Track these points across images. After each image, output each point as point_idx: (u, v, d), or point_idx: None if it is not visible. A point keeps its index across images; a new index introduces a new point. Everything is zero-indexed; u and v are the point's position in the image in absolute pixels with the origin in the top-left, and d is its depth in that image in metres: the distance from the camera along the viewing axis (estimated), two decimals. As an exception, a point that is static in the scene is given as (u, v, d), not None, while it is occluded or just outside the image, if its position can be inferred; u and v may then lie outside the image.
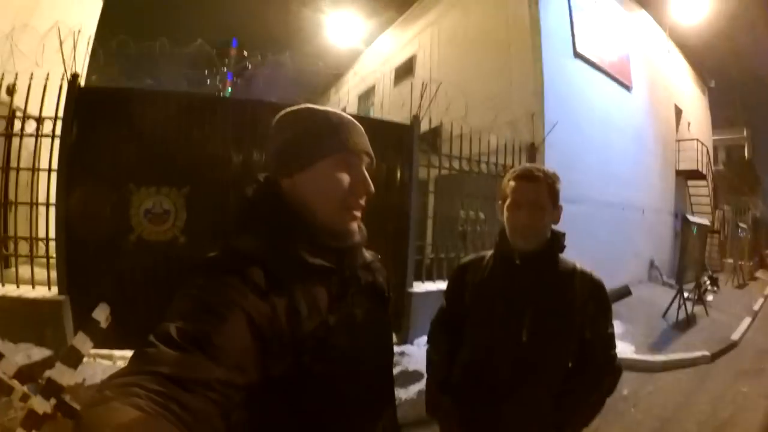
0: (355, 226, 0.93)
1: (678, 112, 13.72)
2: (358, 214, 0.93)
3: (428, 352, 1.78)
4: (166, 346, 0.59)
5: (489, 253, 1.66)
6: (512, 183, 1.48)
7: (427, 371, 1.77)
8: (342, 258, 0.90)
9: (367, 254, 1.05)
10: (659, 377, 5.07)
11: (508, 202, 1.49)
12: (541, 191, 1.44)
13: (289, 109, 0.94)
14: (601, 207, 8.55)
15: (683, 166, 13.34)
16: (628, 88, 10.29)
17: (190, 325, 0.63)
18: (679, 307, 7.44)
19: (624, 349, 5.61)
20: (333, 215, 0.88)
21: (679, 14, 12.19)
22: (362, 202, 0.92)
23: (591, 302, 1.47)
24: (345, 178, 0.88)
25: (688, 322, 7.41)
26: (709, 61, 14.68)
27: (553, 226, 1.52)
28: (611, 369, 1.52)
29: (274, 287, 0.75)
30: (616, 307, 4.39)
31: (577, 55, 8.72)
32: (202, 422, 0.56)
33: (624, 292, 4.67)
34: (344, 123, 0.92)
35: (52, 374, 2.76)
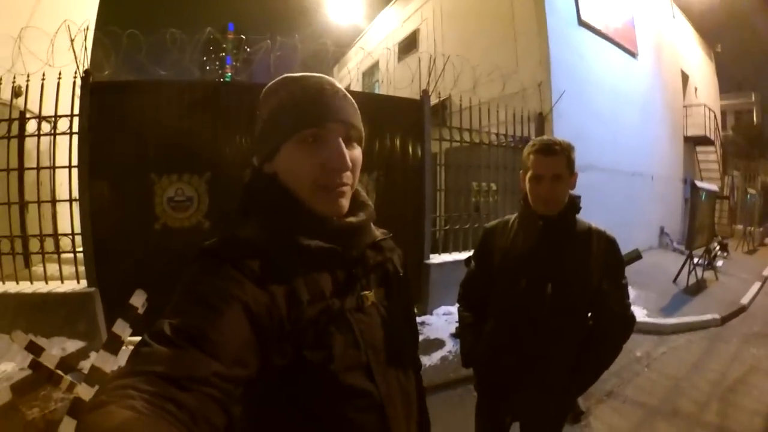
0: (340, 205, 0.82)
1: (684, 78, 13.57)
2: (340, 191, 0.81)
3: (460, 310, 1.93)
4: (160, 344, 0.58)
5: (513, 217, 1.81)
6: (533, 157, 1.62)
7: (460, 326, 1.93)
8: (344, 238, 0.83)
9: (377, 232, 0.97)
10: (671, 339, 5.19)
11: (530, 174, 1.63)
12: (560, 164, 1.58)
13: (268, 85, 0.87)
14: (610, 175, 8.56)
15: (691, 132, 13.25)
16: (633, 54, 10.21)
17: (185, 321, 0.61)
18: (690, 272, 7.54)
19: (637, 313, 5.63)
20: (311, 199, 0.80)
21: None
22: (344, 178, 0.81)
23: (607, 257, 1.64)
24: (313, 156, 0.79)
25: (699, 286, 7.53)
26: (715, 26, 14.43)
27: (570, 191, 1.67)
28: (626, 316, 1.67)
29: (272, 275, 0.73)
30: (628, 272, 4.48)
31: (582, 23, 8.65)
32: (200, 420, 0.54)
33: (635, 256, 4.73)
34: (308, 94, 0.81)
35: (95, 362, 2.85)
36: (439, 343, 4.54)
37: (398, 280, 0.97)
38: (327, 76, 0.86)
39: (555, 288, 1.59)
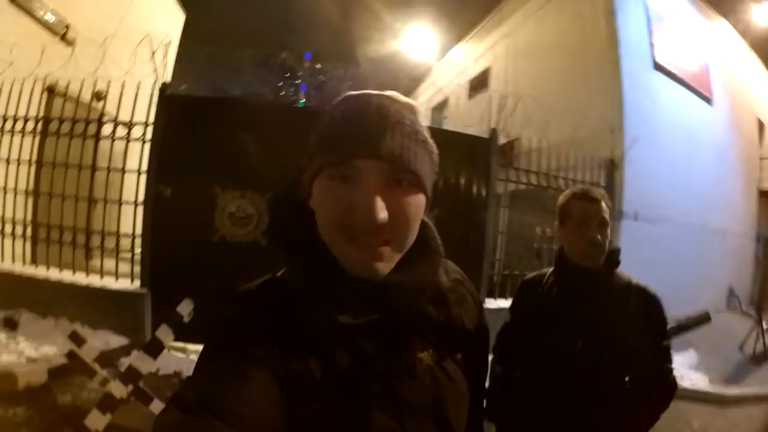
0: (373, 269, 0.63)
1: (761, 127, 12.77)
2: (373, 252, 0.62)
3: (492, 363, 1.83)
4: (184, 413, 0.56)
5: (550, 270, 1.73)
6: (576, 203, 1.57)
7: (489, 379, 1.81)
8: (392, 303, 0.66)
9: (445, 279, 0.81)
10: (731, 412, 4.79)
11: (575, 220, 1.56)
12: (603, 209, 1.53)
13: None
14: (680, 228, 8.14)
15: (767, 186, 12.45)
16: (709, 100, 9.76)
17: (210, 388, 0.58)
18: (758, 339, 6.95)
19: (697, 380, 5.34)
20: (339, 252, 0.64)
21: (761, 22, 11.48)
22: (375, 234, 0.61)
23: (646, 315, 1.55)
24: (339, 199, 0.62)
25: (766, 355, 6.94)
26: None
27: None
28: (665, 382, 1.56)
29: (307, 333, 0.64)
30: (694, 336, 4.19)
31: (657, 66, 8.41)
32: None
33: (704, 318, 4.38)
34: (347, 120, 0.64)
35: (133, 361, 2.94)
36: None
37: (466, 336, 0.81)
38: (390, 93, 0.68)
39: (586, 347, 1.51)
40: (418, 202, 0.65)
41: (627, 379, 1.54)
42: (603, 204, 1.53)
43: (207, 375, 0.61)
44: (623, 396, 1.52)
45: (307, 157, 0.69)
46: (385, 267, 0.64)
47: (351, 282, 0.64)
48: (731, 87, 10.92)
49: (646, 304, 1.55)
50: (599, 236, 1.51)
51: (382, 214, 0.59)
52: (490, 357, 1.83)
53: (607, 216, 1.53)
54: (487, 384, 1.68)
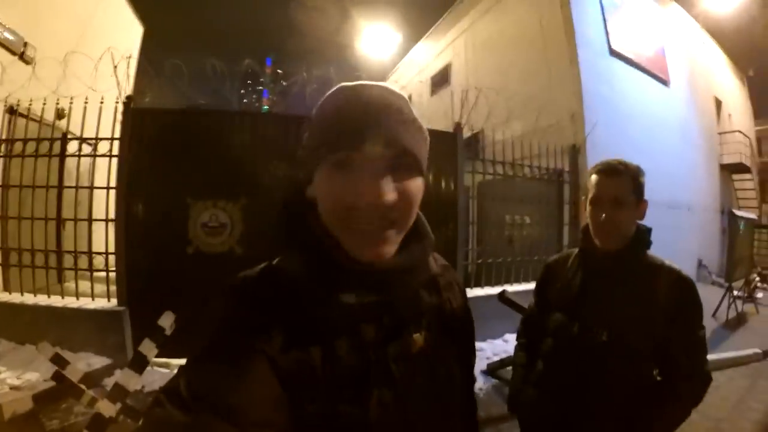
0: (376, 253, 0.64)
1: (718, 104, 13.29)
2: (377, 237, 0.63)
3: (515, 350, 1.77)
4: (175, 406, 0.54)
5: (575, 250, 1.62)
6: (594, 177, 1.46)
7: (512, 369, 1.76)
8: (391, 285, 0.68)
9: (434, 265, 0.84)
10: (713, 376, 4.94)
11: (590, 196, 1.46)
12: (622, 186, 1.40)
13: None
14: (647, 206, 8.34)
15: (727, 160, 12.92)
16: (665, 82, 10.11)
17: (204, 381, 0.56)
18: (729, 305, 7.27)
19: None
20: (342, 238, 0.65)
21: (712, 4, 11.89)
22: (377, 218, 0.62)
23: (678, 301, 1.38)
24: (339, 186, 0.62)
25: (739, 320, 7.24)
26: (746, 50, 14.10)
27: (639, 222, 1.47)
28: (699, 375, 1.40)
29: (306, 322, 0.64)
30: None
31: (613, 52, 8.67)
32: None
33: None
34: (346, 107, 0.64)
35: (119, 379, 2.89)
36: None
37: (454, 320, 0.84)
38: (385, 84, 0.68)
39: (611, 337, 1.38)
40: (418, 184, 0.67)
41: (656, 371, 1.44)
42: (621, 180, 1.40)
43: (202, 367, 0.59)
44: (651, 389, 1.41)
45: (306, 148, 0.69)
46: (389, 250, 0.65)
47: (351, 265, 0.64)
48: (687, 68, 11.33)
49: (677, 289, 1.39)
50: (611, 216, 1.39)
51: (391, 195, 0.61)
52: (514, 344, 1.80)
53: (624, 194, 1.39)
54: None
